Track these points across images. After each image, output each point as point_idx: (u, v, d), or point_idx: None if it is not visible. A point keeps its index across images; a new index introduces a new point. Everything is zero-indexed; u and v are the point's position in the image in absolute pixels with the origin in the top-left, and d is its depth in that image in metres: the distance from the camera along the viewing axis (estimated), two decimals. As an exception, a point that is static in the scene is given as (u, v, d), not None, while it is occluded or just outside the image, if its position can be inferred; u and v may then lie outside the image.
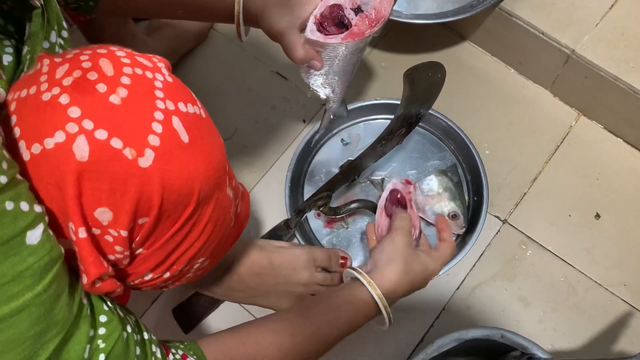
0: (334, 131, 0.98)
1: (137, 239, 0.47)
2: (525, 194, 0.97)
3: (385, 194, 0.83)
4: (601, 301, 0.90)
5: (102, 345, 0.46)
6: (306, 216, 0.92)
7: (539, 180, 0.98)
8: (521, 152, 0.99)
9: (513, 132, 1.01)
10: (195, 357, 0.57)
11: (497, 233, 0.94)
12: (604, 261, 0.92)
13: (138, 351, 0.49)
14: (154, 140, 0.43)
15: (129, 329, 0.49)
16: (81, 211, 0.43)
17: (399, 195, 0.83)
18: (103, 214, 0.43)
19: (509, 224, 0.95)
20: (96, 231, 0.44)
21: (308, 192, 0.94)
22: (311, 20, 0.67)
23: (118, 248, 0.46)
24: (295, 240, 0.89)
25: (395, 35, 1.07)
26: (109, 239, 0.45)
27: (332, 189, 0.86)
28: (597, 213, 0.95)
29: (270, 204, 0.96)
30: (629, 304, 0.90)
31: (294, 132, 1.01)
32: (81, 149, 0.41)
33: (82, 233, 0.43)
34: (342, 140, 0.98)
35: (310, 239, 0.91)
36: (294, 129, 1.02)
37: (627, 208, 0.95)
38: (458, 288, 0.91)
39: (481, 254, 0.93)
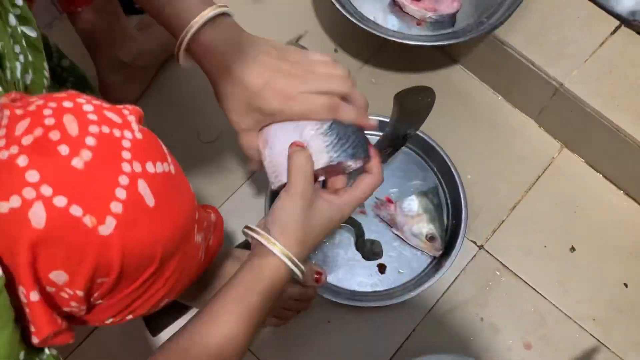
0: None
1: (96, 294, 0.45)
2: (503, 221, 0.97)
3: None
4: (570, 334, 0.91)
5: None
6: (284, 227, 0.91)
7: (518, 208, 0.98)
8: (502, 179, 1.00)
9: (496, 159, 1.01)
10: None
11: (472, 258, 0.95)
12: (575, 294, 0.93)
13: None
14: (116, 207, 0.41)
15: None
16: (34, 275, 0.41)
17: None
18: (58, 276, 0.42)
19: (484, 250, 0.95)
20: (51, 289, 0.43)
21: (288, 202, 0.93)
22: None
23: (74, 304, 0.45)
24: (271, 251, 0.88)
25: (388, 52, 1.07)
26: (65, 295, 0.44)
27: (312, 203, 0.85)
28: (572, 246, 0.96)
29: (249, 212, 0.94)
30: (596, 339, 0.90)
31: (278, 141, 1.01)
32: (38, 216, 0.39)
33: (35, 296, 0.42)
34: (327, 153, 0.97)
35: (287, 250, 0.90)
36: (279, 138, 1.01)
37: (602, 243, 0.96)
38: (430, 311, 0.91)
39: (455, 278, 0.93)
